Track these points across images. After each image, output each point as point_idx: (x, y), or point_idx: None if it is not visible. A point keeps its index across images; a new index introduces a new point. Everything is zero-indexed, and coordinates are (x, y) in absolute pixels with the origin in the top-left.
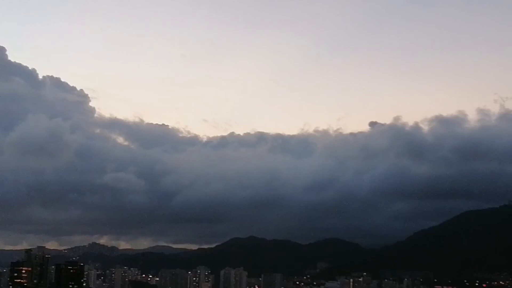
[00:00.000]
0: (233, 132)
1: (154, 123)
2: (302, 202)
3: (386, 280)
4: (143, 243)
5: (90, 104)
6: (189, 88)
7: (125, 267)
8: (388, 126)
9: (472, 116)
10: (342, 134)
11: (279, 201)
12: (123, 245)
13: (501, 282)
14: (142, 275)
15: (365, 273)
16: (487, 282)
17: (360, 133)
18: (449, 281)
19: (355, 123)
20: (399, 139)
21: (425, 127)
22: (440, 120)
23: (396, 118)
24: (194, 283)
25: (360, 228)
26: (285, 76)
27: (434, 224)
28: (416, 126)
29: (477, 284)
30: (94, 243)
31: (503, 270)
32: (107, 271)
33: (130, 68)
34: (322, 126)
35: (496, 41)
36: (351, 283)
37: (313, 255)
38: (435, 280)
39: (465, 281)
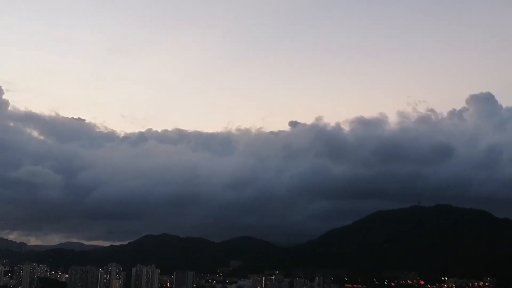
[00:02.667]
0: (150, 129)
1: (70, 117)
2: (221, 200)
3: (297, 278)
4: (54, 239)
5: (4, 97)
6: (107, 82)
7: (34, 264)
8: (310, 126)
9: (392, 118)
10: (264, 133)
11: (198, 199)
12: (33, 241)
13: (409, 281)
14: (51, 271)
15: (277, 271)
16: (396, 281)
17: (282, 132)
18: (359, 280)
19: (278, 122)
20: (320, 139)
21: (346, 128)
22: (361, 122)
23: (318, 118)
24: (105, 281)
25: (276, 226)
26: (207, 74)
27: (347, 223)
28: (338, 127)
29: (386, 282)
30: (1, 239)
31: (411, 269)
32: (15, 267)
33: (46, 60)
34: (245, 125)
35: (410, 44)
36: (263, 281)
37: (226, 253)
38: (346, 278)
39: (375, 279)
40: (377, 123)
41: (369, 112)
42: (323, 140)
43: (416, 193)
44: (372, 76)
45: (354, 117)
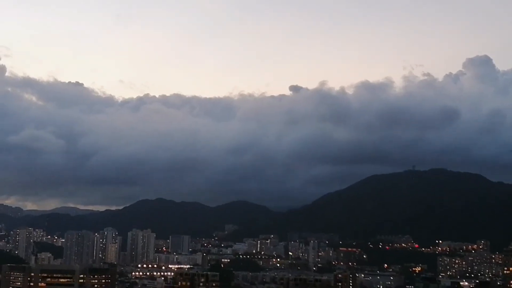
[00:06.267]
0: (148, 94)
1: (67, 81)
2: (220, 166)
3: (292, 242)
4: (50, 204)
5: (1, 62)
6: (105, 47)
7: (30, 228)
8: (313, 91)
9: (398, 83)
10: (266, 98)
11: (198, 164)
12: (29, 205)
13: (403, 245)
14: (47, 236)
15: (272, 235)
16: (390, 244)
17: (284, 97)
18: (354, 243)
19: (283, 87)
20: (323, 103)
21: (351, 93)
22: (366, 86)
23: (322, 83)
24: (101, 245)
25: (273, 191)
26: (208, 39)
27: (341, 188)
28: (342, 91)
29: (380, 246)
30: None
31: (405, 232)
32: (11, 231)
33: (44, 25)
34: (248, 90)
35: (406, 6)
36: (259, 245)
37: (221, 217)
38: (340, 242)
39: (369, 243)
40: (382, 87)
41: (374, 76)
42: (327, 105)
43: (417, 158)
44: (379, 40)
45: (359, 81)
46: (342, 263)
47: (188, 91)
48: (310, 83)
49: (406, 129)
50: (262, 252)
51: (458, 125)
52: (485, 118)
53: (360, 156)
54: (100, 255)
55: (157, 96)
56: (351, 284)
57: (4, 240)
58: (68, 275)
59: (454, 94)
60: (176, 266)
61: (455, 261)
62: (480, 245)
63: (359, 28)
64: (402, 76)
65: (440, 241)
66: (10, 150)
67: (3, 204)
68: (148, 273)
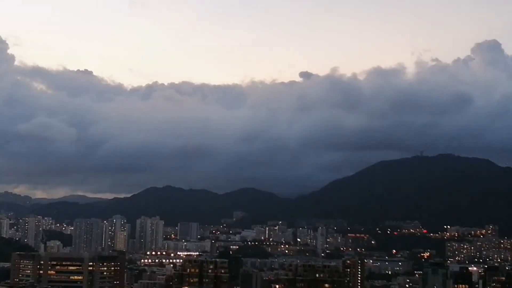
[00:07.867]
0: (157, 82)
1: (76, 70)
2: (231, 153)
3: (301, 228)
4: (59, 192)
5: (9, 51)
6: (114, 35)
7: (39, 216)
8: (325, 77)
9: (410, 68)
10: (277, 85)
11: (209, 152)
12: (38, 194)
13: (411, 230)
14: (56, 224)
15: (280, 222)
16: (398, 230)
17: (295, 83)
18: (362, 229)
19: (294, 74)
20: (335, 90)
21: (362, 79)
22: (378, 72)
23: (333, 69)
24: (110, 233)
25: (282, 178)
26: (218, 26)
27: (349, 174)
28: (354, 78)
29: (388, 232)
30: (7, 192)
31: (413, 218)
32: (20, 220)
33: (53, 14)
34: (259, 77)
35: None
36: (267, 232)
37: (229, 204)
38: (349, 228)
39: (377, 229)
40: (394, 73)
41: (386, 62)
42: (337, 91)
43: (428, 144)
44: (385, 25)
45: (371, 67)
46: (350, 249)
47: (197, 79)
48: (321, 70)
49: (418, 115)
50: (271, 239)
51: (469, 110)
52: (496, 103)
53: (371, 142)
54: (109, 243)
55: (166, 84)
56: (359, 270)
57: (14, 228)
58: (77, 263)
59: (466, 79)
60: (185, 253)
61: (463, 246)
62: (489, 230)
63: (370, 14)
64: (414, 62)
65: (448, 227)
66: (19, 139)
67: (12, 192)
68: (157, 260)
